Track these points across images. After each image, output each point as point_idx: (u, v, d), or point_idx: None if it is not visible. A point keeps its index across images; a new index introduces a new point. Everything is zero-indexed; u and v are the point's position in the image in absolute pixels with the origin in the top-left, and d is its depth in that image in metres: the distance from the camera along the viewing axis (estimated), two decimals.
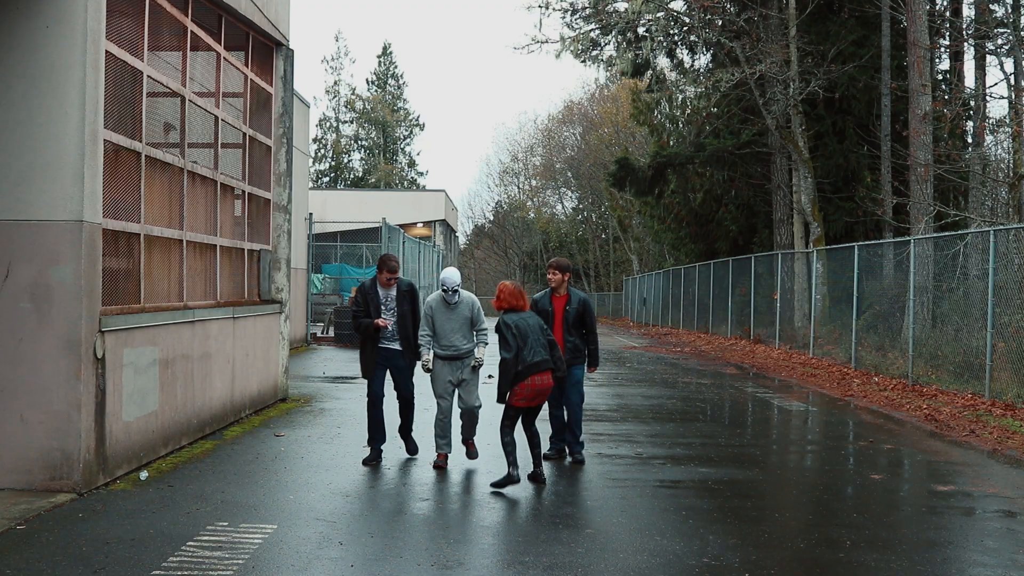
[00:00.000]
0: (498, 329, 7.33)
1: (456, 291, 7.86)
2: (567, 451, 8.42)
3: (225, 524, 6.01)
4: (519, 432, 7.53)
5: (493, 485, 7.12)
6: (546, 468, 7.88)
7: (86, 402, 6.74)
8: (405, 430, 8.53)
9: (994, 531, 6.39)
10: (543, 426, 8.48)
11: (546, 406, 8.14)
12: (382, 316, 8.27)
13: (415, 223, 41.83)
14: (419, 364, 8.18)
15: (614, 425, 10.51)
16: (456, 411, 8.16)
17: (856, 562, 5.49)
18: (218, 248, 9.69)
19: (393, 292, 8.35)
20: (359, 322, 8.33)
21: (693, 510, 6.69)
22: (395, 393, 8.45)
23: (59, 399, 6.67)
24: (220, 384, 9.54)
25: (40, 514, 6.16)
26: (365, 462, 8.06)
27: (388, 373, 8.42)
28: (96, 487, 6.90)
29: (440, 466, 7.93)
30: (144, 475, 7.39)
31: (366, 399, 8.41)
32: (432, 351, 8.02)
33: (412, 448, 8.52)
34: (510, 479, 7.11)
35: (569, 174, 60.40)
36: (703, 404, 12.66)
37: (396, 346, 8.33)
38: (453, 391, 8.06)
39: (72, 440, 6.69)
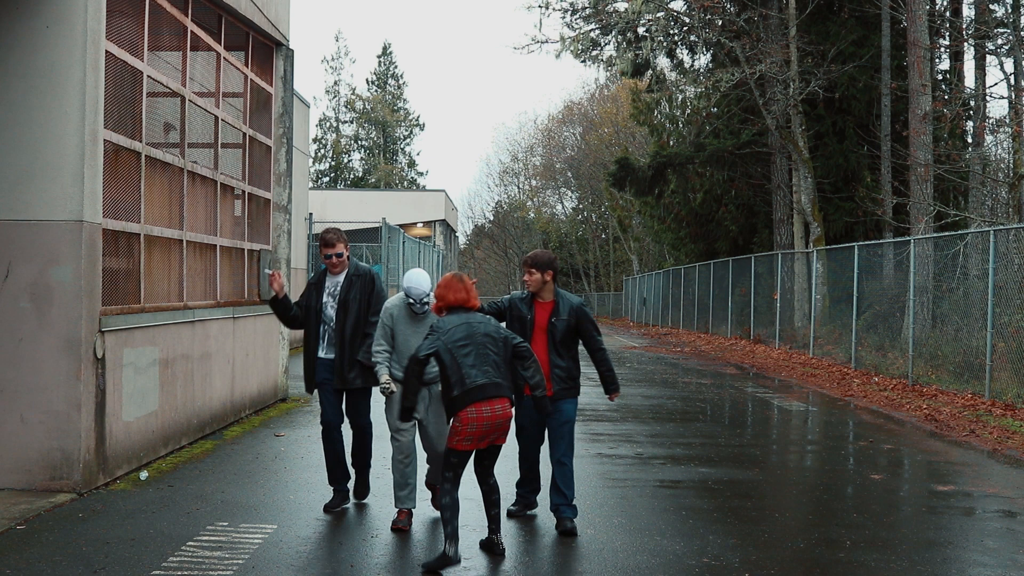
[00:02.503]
0: (428, 334, 5.52)
1: (426, 303, 6.09)
2: (556, 514, 6.07)
3: (225, 524, 6.01)
4: (470, 483, 5.86)
5: (425, 568, 5.17)
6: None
7: (86, 402, 6.74)
8: (359, 464, 6.74)
9: (994, 531, 6.39)
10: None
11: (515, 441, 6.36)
12: (326, 311, 6.51)
13: (415, 223, 41.83)
14: (378, 387, 6.21)
15: (614, 425, 10.50)
16: (421, 452, 6.44)
17: (856, 562, 5.49)
18: (218, 248, 9.69)
19: (341, 278, 6.54)
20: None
21: (693, 510, 6.69)
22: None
23: (59, 399, 6.67)
24: (220, 384, 9.54)
25: (40, 514, 6.16)
26: (327, 508, 6.43)
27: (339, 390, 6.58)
28: (96, 487, 6.89)
29: (401, 528, 5.98)
30: (144, 475, 7.39)
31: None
32: (390, 371, 6.15)
33: (361, 490, 6.74)
34: (446, 560, 5.15)
35: (569, 174, 60.39)
36: (703, 404, 12.65)
37: (330, 354, 6.50)
38: (414, 424, 6.16)
39: (72, 440, 6.68)
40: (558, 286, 6.36)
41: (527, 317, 6.21)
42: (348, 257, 6.61)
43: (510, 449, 6.44)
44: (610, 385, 6.40)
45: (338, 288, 6.50)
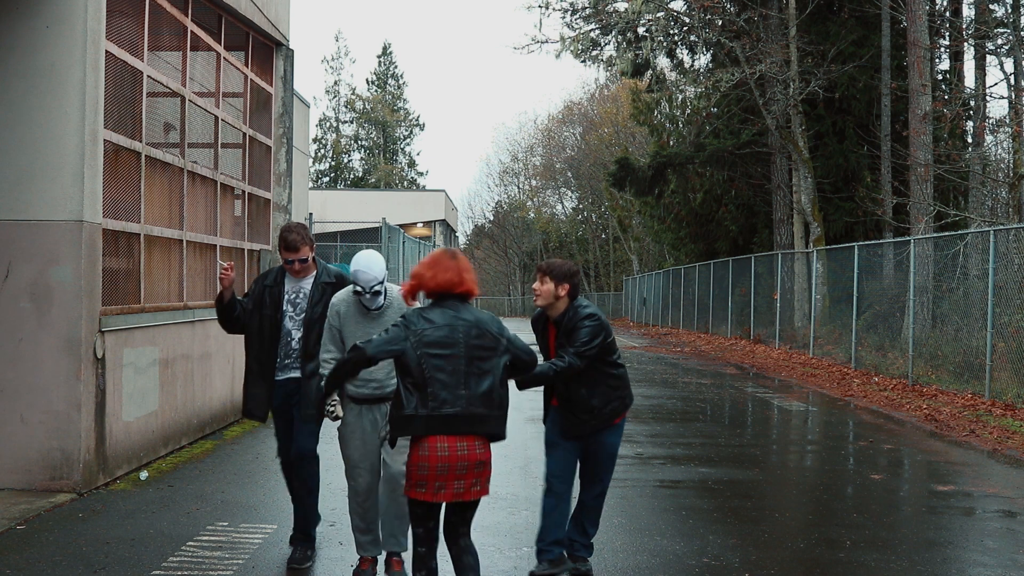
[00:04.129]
0: (396, 324, 4.10)
1: (379, 292, 4.82)
2: (568, 549, 5.17)
3: (225, 524, 6.01)
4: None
5: None
6: None
7: (86, 402, 6.74)
8: (302, 495, 5.42)
9: (994, 531, 6.39)
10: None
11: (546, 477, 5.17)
12: (286, 322, 5.36)
13: (415, 223, 41.83)
14: (326, 410, 4.84)
15: None
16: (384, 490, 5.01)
17: (856, 562, 5.49)
18: (218, 248, 9.69)
19: (307, 285, 5.38)
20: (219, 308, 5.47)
21: (693, 510, 6.69)
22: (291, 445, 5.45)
23: (59, 399, 6.67)
24: (220, 384, 9.54)
25: (40, 514, 6.16)
26: (292, 562, 5.24)
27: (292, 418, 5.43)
28: (96, 487, 6.89)
29: None
30: (144, 475, 7.39)
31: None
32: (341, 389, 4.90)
33: (303, 520, 5.41)
34: None
35: (569, 174, 60.38)
36: (703, 404, 12.65)
37: (297, 373, 5.33)
38: (377, 458, 4.96)
39: (72, 440, 6.68)
40: (577, 305, 5.02)
41: (544, 340, 5.16)
42: (314, 259, 5.45)
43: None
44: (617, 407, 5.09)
45: (302, 296, 5.34)
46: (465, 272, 4.13)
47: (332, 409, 4.80)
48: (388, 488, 4.92)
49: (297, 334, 5.35)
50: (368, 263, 4.76)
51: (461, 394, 3.93)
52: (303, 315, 5.32)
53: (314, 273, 5.39)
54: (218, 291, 5.46)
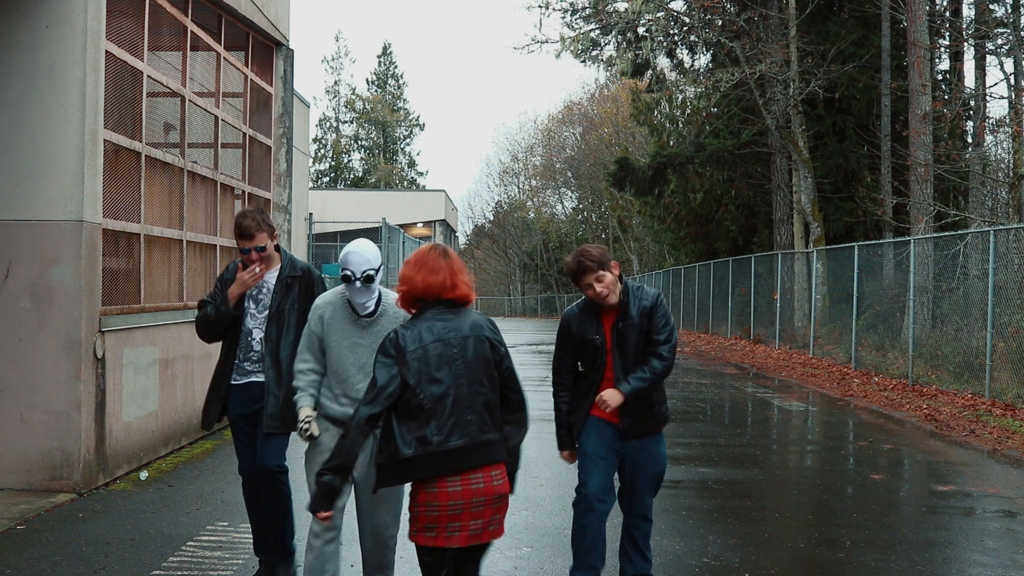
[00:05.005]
0: (380, 353, 3.46)
1: (371, 279, 4.06)
2: None
3: (225, 524, 6.01)
4: None
5: None
6: None
7: (86, 402, 6.74)
8: (273, 514, 4.78)
9: (994, 531, 6.39)
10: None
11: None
12: (246, 321, 4.78)
13: (415, 223, 41.83)
14: (299, 428, 4.18)
15: None
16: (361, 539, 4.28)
17: (856, 562, 5.49)
18: (218, 248, 9.69)
19: (271, 279, 4.80)
20: (202, 313, 4.86)
21: (693, 510, 6.69)
22: (252, 463, 4.78)
23: (59, 399, 6.67)
24: None
25: (40, 514, 6.16)
26: None
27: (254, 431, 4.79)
28: (96, 487, 6.89)
29: None
30: (144, 475, 7.39)
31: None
32: (317, 405, 4.20)
33: (277, 536, 4.80)
34: None
35: (569, 174, 60.39)
36: (703, 404, 12.65)
37: (259, 376, 4.73)
38: (348, 492, 4.10)
39: (72, 440, 6.68)
40: (630, 285, 4.56)
41: (598, 342, 4.47)
42: (279, 249, 4.86)
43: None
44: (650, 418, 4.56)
45: (265, 291, 4.78)
46: (458, 274, 3.49)
47: (306, 427, 4.06)
48: (374, 552, 4.18)
49: (259, 333, 4.77)
50: (360, 245, 4.12)
51: (467, 420, 3.33)
52: (265, 312, 4.74)
53: (279, 265, 4.82)
54: (230, 297, 4.76)
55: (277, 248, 4.86)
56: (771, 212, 25.46)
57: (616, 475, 4.63)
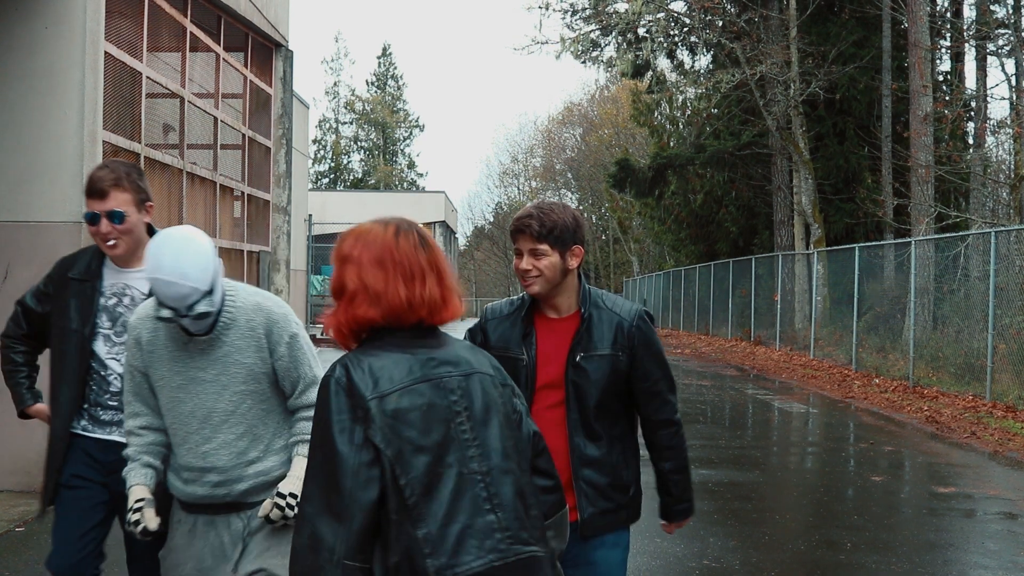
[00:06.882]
0: (322, 387, 1.98)
1: (205, 314, 2.62)
2: None
3: None
4: None
5: None
6: None
7: None
8: None
9: (995, 533, 6.38)
10: None
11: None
12: (97, 343, 3.11)
13: None
14: (126, 520, 2.74)
15: None
16: None
17: (857, 564, 5.47)
18: (217, 249, 9.68)
19: (137, 280, 3.12)
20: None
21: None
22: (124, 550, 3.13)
23: None
24: None
25: (39, 516, 6.14)
26: None
27: (107, 508, 3.11)
28: None
29: None
30: None
31: None
32: (157, 478, 2.81)
33: None
34: None
35: (569, 175, 60.44)
36: (703, 406, 12.64)
37: (118, 435, 3.05)
38: None
39: None
40: (587, 282, 2.82)
41: (521, 360, 2.71)
42: (150, 227, 3.15)
43: None
44: (674, 502, 3.16)
45: (127, 301, 3.13)
46: (445, 275, 2.06)
47: (137, 517, 2.70)
48: None
49: (118, 366, 3.08)
50: (175, 259, 2.55)
51: (489, 521, 1.89)
52: (125, 334, 2.94)
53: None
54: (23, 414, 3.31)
55: (151, 230, 3.11)
56: (771, 213, 25.45)
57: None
